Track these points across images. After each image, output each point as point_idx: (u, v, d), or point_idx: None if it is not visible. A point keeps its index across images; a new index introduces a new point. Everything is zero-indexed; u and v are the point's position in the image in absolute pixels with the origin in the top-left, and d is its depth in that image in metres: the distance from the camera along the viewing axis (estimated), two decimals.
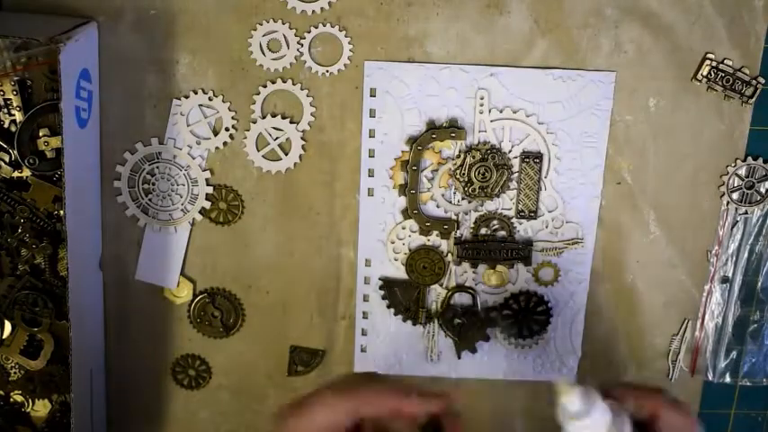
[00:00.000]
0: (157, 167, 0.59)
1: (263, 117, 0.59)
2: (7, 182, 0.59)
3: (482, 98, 0.58)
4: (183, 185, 0.60)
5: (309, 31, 0.57)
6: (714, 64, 0.58)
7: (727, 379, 0.65)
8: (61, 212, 0.56)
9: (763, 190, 0.61)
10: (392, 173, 0.60)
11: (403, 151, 0.59)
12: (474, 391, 0.65)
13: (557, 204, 0.61)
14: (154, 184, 0.60)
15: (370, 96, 0.58)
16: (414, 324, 0.63)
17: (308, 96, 0.58)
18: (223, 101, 0.58)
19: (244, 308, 0.62)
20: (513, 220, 0.61)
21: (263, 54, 0.57)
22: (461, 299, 0.63)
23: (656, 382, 0.65)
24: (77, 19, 0.55)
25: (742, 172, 0.60)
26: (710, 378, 0.65)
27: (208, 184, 0.60)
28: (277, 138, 0.59)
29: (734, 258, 0.62)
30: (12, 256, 0.60)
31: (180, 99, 0.58)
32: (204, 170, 0.59)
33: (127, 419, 0.64)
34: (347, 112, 0.59)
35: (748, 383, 0.65)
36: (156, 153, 0.59)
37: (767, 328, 0.64)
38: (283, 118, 0.59)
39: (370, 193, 0.60)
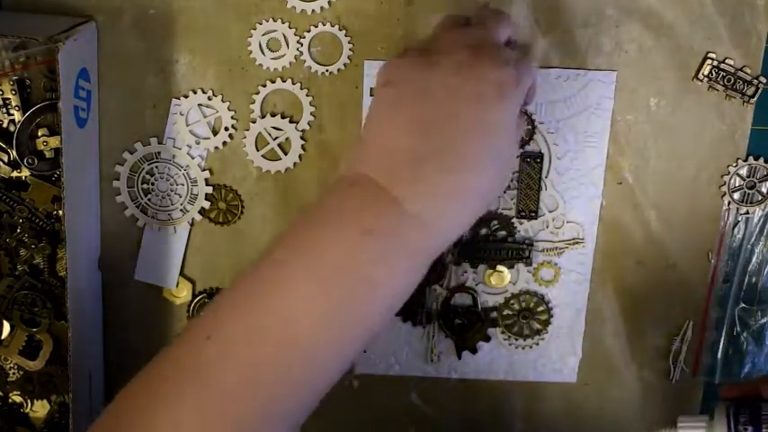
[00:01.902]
0: (156, 167, 0.59)
1: (263, 117, 0.58)
2: (6, 182, 0.58)
3: None
4: (183, 185, 0.59)
5: (309, 31, 0.57)
6: (715, 63, 0.58)
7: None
8: (60, 212, 0.56)
9: (764, 190, 0.61)
10: None
11: None
12: (474, 392, 0.65)
13: (557, 204, 0.61)
14: (153, 184, 0.59)
15: (370, 96, 0.58)
16: (414, 324, 0.63)
17: (307, 96, 0.58)
18: (222, 100, 0.58)
19: None
20: (514, 219, 0.61)
21: (263, 53, 0.57)
22: (461, 299, 0.63)
23: (657, 382, 0.65)
24: (76, 18, 0.55)
25: (743, 172, 0.60)
26: (712, 379, 0.64)
27: (207, 184, 0.60)
28: (277, 137, 0.59)
29: (735, 259, 0.62)
30: (10, 256, 0.60)
31: (179, 99, 0.58)
32: (203, 170, 0.59)
33: None
34: (347, 111, 0.59)
35: None
36: (155, 153, 0.59)
37: None
38: (283, 117, 0.59)
39: None
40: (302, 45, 0.57)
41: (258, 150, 0.59)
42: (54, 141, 0.57)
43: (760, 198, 0.61)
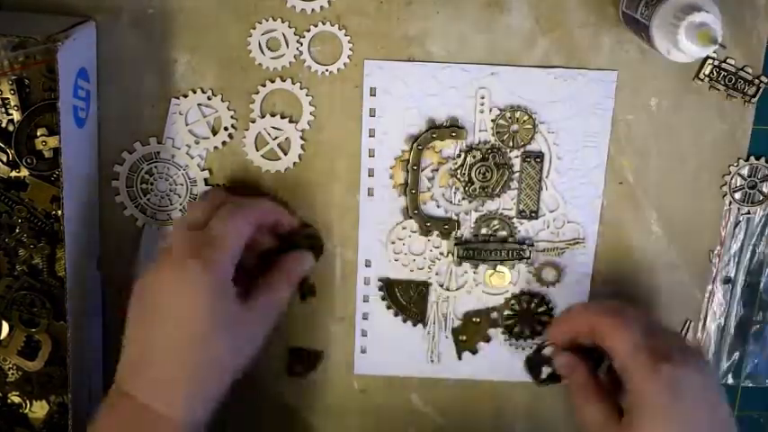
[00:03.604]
0: (156, 167, 0.59)
1: (263, 116, 0.58)
2: (5, 182, 0.58)
3: (483, 97, 0.58)
4: (182, 185, 0.59)
5: (309, 30, 0.57)
6: (716, 63, 0.58)
7: (730, 380, 0.65)
8: (59, 212, 0.56)
9: (765, 190, 0.61)
10: (392, 173, 0.60)
11: (403, 151, 0.59)
12: (474, 392, 0.64)
13: (558, 204, 0.60)
14: (152, 184, 0.59)
15: (370, 96, 0.58)
16: (414, 325, 0.63)
17: (307, 96, 0.58)
18: (222, 100, 0.58)
19: None
20: (514, 219, 0.61)
21: (263, 53, 0.57)
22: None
23: None
24: (75, 18, 0.55)
25: (744, 172, 0.60)
26: None
27: (207, 184, 0.59)
28: (276, 137, 0.59)
29: (736, 259, 0.62)
30: (9, 256, 0.60)
31: (178, 98, 0.58)
32: (203, 170, 0.59)
33: None
34: (347, 111, 0.58)
35: (751, 385, 0.65)
36: (154, 153, 0.59)
37: None
38: (282, 117, 0.58)
39: (370, 193, 0.60)
40: (302, 45, 0.57)
41: (258, 150, 0.59)
42: (53, 141, 0.57)
43: (761, 198, 0.61)
